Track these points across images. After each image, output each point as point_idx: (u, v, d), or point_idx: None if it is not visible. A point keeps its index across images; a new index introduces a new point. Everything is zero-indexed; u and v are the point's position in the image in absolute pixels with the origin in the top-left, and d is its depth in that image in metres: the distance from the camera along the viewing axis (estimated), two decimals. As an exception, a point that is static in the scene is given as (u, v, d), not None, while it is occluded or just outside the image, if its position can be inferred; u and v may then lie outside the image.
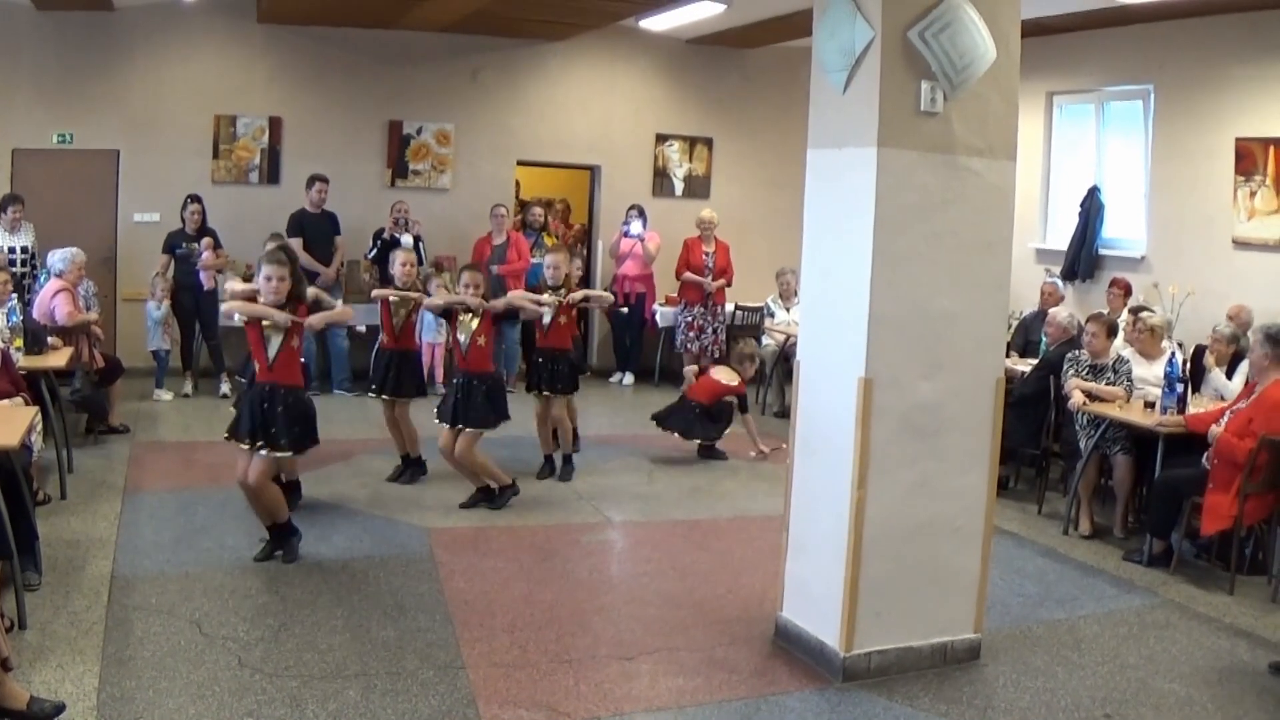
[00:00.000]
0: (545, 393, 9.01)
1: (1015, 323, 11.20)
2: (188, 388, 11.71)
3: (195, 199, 11.77)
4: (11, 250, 10.77)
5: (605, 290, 12.46)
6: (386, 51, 13.31)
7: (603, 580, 7.08)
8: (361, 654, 5.59)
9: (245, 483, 6.73)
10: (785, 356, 11.71)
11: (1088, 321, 8.78)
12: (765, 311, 12.85)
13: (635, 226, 13.42)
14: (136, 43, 12.45)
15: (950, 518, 5.71)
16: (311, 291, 7.17)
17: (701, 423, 10.13)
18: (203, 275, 11.51)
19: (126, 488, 8.30)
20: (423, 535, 7.56)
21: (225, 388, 11.65)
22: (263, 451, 6.64)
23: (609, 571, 7.33)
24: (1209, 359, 9.00)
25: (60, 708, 4.66)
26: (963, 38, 5.35)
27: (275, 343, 6.70)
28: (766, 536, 7.41)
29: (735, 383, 10.29)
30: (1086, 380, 8.45)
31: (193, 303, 11.58)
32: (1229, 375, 8.89)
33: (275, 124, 12.99)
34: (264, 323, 6.68)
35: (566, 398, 9.15)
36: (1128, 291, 10.83)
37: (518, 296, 8.64)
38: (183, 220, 11.71)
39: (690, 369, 11.85)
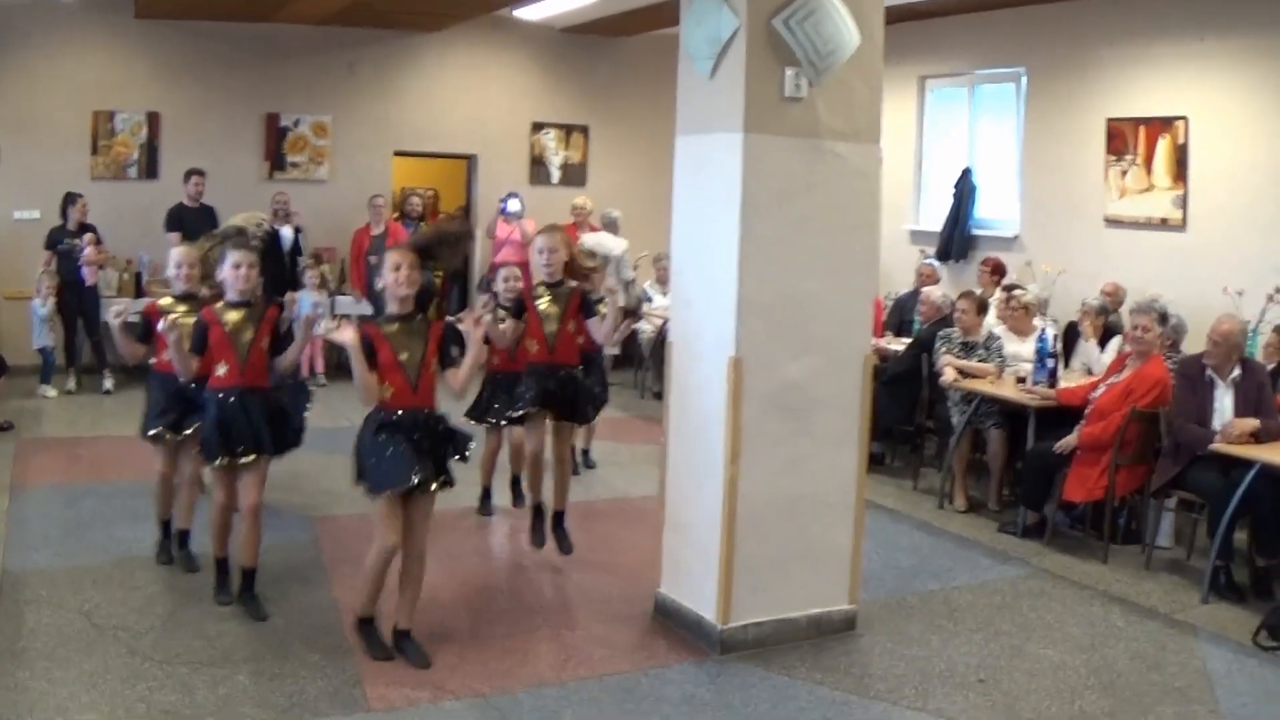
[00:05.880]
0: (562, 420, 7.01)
1: (890, 303, 11.40)
2: (71, 384, 11.52)
3: (76, 195, 11.60)
4: None
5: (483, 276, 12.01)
6: (264, 45, 13.21)
7: (484, 562, 7.20)
8: (250, 640, 5.62)
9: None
10: (663, 340, 11.76)
11: (958, 299, 8.97)
12: (643, 296, 12.91)
13: (513, 204, 13.25)
14: (12, 40, 12.20)
15: (822, 494, 5.85)
16: None
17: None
18: (85, 271, 11.36)
19: (13, 484, 8.18)
20: (309, 524, 7.57)
21: (108, 383, 11.49)
22: None
23: (491, 554, 7.44)
24: (1085, 328, 9.25)
25: (-54, 702, 4.65)
26: (826, 25, 5.50)
27: None
28: (645, 518, 7.41)
29: None
30: (959, 358, 8.64)
31: (75, 299, 11.41)
32: (1101, 348, 9.15)
33: (153, 119, 12.84)
34: None
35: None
36: (997, 270, 10.96)
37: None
38: (65, 216, 11.54)
39: None
